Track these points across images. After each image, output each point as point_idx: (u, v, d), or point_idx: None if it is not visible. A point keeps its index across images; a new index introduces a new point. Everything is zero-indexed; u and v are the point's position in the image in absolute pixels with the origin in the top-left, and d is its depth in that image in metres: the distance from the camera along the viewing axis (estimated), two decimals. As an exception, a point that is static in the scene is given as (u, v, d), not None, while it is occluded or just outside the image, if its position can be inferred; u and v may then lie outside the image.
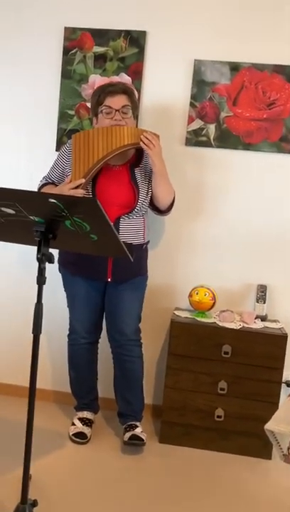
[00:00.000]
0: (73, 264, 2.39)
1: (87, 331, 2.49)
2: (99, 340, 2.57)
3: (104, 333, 2.54)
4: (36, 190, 2.46)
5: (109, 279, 2.35)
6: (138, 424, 2.47)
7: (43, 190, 2.42)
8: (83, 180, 2.21)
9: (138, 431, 2.42)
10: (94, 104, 2.34)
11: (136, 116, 2.40)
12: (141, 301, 2.47)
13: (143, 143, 2.23)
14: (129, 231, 2.33)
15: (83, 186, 2.23)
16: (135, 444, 2.37)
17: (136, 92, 2.40)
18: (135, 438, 2.38)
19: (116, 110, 2.26)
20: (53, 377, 2.89)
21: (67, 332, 2.55)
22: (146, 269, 2.49)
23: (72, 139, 2.29)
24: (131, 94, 2.33)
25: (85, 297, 2.44)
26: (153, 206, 2.44)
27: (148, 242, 2.49)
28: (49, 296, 2.71)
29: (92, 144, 2.23)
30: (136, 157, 2.39)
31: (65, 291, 2.51)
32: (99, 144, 2.22)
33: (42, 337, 2.82)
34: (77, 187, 2.21)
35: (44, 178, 2.49)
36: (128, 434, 2.40)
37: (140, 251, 2.39)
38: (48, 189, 2.40)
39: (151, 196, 2.38)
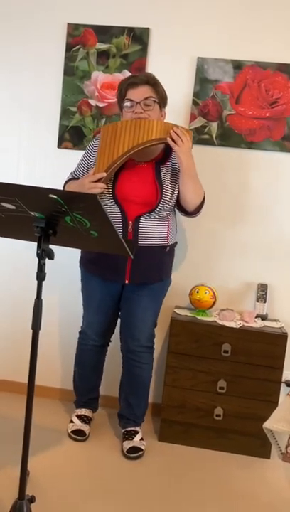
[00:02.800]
0: (92, 263, 2.33)
1: (97, 334, 2.44)
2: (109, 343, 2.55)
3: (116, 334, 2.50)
4: (62, 186, 2.39)
5: (127, 281, 2.25)
6: (138, 429, 2.43)
7: (67, 186, 2.35)
8: (104, 174, 2.11)
9: (136, 440, 2.38)
10: (118, 99, 2.25)
11: (164, 108, 2.27)
12: (159, 307, 2.40)
13: (171, 139, 2.10)
14: (150, 231, 2.22)
15: (104, 180, 2.13)
16: (135, 457, 2.32)
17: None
18: (134, 451, 2.33)
19: (137, 103, 2.15)
20: (63, 376, 2.87)
21: (79, 329, 2.53)
22: (168, 273, 2.37)
23: (101, 131, 2.18)
24: (155, 85, 2.19)
25: (99, 300, 2.38)
26: (180, 207, 2.31)
27: (176, 243, 2.38)
28: (62, 292, 2.73)
29: (118, 136, 2.11)
30: (164, 153, 2.27)
31: (82, 290, 2.45)
32: (126, 136, 2.10)
33: (53, 335, 2.87)
34: (98, 180, 2.12)
35: (71, 173, 2.40)
36: (126, 445, 2.36)
37: (162, 254, 2.28)
38: (72, 184, 2.32)
39: (177, 196, 2.26)
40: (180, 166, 2.18)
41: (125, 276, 2.24)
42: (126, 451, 2.34)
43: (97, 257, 2.28)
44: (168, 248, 2.31)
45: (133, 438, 2.39)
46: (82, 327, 2.51)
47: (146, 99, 2.16)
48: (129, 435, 2.41)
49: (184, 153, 2.13)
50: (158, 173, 2.23)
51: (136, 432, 2.42)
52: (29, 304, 2.78)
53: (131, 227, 2.20)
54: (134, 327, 2.35)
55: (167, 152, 2.27)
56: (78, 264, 2.44)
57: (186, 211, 2.31)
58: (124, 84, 2.21)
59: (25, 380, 2.77)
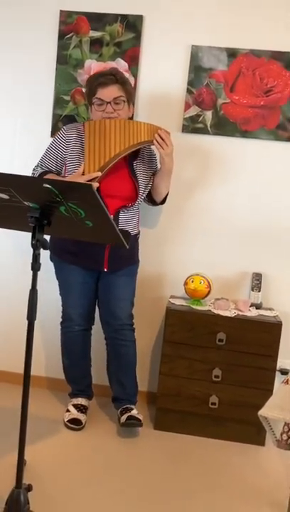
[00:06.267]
0: (70, 254, 2.38)
1: (82, 317, 2.50)
2: (92, 327, 2.57)
3: (96, 321, 2.54)
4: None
5: (106, 269, 2.36)
6: (133, 407, 2.48)
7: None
8: (100, 174, 2.18)
9: (134, 412, 2.43)
10: (87, 93, 2.33)
11: (132, 104, 2.37)
12: (134, 286, 2.50)
13: (157, 141, 2.22)
14: (127, 223, 2.36)
15: (99, 180, 2.19)
16: (133, 424, 2.38)
17: (131, 80, 2.33)
18: (132, 418, 2.38)
19: (107, 102, 2.23)
20: (47, 364, 2.89)
21: (60, 320, 2.54)
22: (138, 257, 2.53)
23: (86, 127, 2.24)
24: (124, 84, 2.28)
25: (81, 284, 2.45)
26: (150, 198, 2.48)
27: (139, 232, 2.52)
28: (42, 283, 2.72)
29: (108, 136, 2.19)
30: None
31: (58, 279, 2.50)
32: (116, 137, 2.19)
33: (35, 323, 2.85)
34: (92, 180, 2.16)
35: (38, 165, 2.41)
36: (124, 416, 2.40)
37: (134, 241, 2.44)
38: (53, 178, 2.32)
39: (149, 189, 2.41)
40: (162, 165, 2.33)
41: (104, 264, 2.34)
42: (126, 419, 2.37)
43: (74, 248, 2.33)
44: (137, 236, 2.49)
45: (130, 411, 2.43)
46: (62, 317, 2.54)
47: (115, 98, 2.24)
48: (126, 410, 2.45)
49: (168, 155, 2.28)
50: (132, 169, 2.33)
51: (132, 409, 2.46)
52: (14, 294, 2.81)
53: None
54: (115, 305, 2.43)
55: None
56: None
57: (155, 202, 2.49)
58: (93, 83, 2.27)
59: (9, 368, 2.82)
